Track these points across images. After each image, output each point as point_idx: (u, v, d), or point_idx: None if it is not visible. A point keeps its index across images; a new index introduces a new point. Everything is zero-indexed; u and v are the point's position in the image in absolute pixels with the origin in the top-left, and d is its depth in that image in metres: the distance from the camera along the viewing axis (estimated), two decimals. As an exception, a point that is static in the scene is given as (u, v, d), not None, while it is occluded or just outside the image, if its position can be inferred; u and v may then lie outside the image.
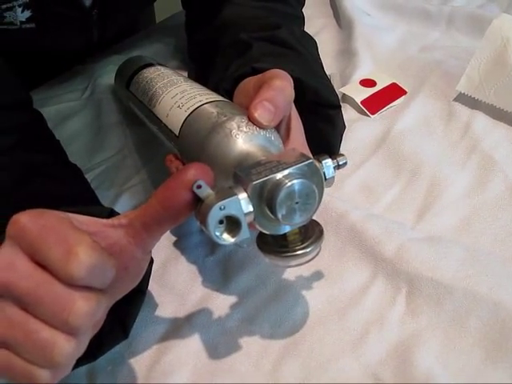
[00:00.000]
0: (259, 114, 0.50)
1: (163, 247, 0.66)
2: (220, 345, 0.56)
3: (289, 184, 0.43)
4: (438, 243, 0.61)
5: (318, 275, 0.61)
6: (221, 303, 0.60)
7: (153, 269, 0.59)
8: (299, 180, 0.44)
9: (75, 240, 0.39)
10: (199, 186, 0.42)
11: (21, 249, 0.39)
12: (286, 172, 0.44)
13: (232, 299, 0.60)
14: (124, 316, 0.53)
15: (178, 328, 0.58)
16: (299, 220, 0.46)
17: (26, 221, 0.39)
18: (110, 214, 0.52)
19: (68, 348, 0.39)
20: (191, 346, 0.56)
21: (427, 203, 0.67)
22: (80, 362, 0.45)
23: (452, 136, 0.76)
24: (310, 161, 0.45)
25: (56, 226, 0.40)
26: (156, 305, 0.60)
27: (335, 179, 0.67)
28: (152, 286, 0.58)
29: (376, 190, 0.70)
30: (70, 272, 0.38)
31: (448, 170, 0.71)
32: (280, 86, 0.52)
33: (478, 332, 0.54)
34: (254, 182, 0.43)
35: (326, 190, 0.66)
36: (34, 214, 0.40)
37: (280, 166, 0.45)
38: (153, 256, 0.64)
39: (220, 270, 0.63)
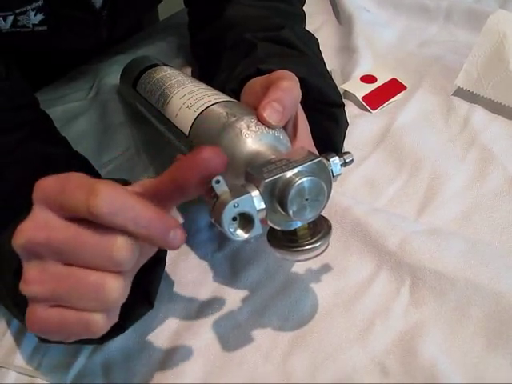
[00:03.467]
0: (268, 114, 0.52)
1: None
2: (231, 338, 0.58)
3: (299, 182, 0.45)
4: (440, 235, 0.62)
5: (324, 269, 0.62)
6: (230, 298, 0.62)
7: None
8: (309, 178, 0.45)
9: (95, 182, 0.41)
10: (218, 181, 0.43)
11: (49, 208, 0.41)
12: (295, 170, 0.46)
13: (241, 293, 0.62)
14: (147, 285, 0.55)
15: (189, 323, 0.60)
16: (309, 216, 0.47)
17: (48, 181, 0.42)
18: (125, 183, 0.53)
19: (118, 284, 0.42)
20: (203, 340, 0.58)
21: (428, 196, 0.69)
22: (111, 333, 0.47)
23: (451, 130, 0.77)
24: (319, 159, 0.47)
25: (76, 179, 0.42)
26: (167, 301, 0.62)
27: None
28: (163, 283, 0.59)
29: (378, 185, 0.71)
30: (94, 209, 0.39)
31: (448, 164, 0.72)
32: (287, 87, 0.54)
33: (480, 321, 0.56)
34: (266, 180, 0.45)
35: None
36: (55, 175, 0.42)
37: (290, 164, 0.46)
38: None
39: (229, 265, 0.65)
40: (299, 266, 0.63)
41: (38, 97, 0.76)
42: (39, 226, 0.41)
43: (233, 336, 0.58)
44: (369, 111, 0.83)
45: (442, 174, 0.71)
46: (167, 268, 0.64)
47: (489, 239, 0.63)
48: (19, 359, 0.59)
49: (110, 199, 0.40)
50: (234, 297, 0.62)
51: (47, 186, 0.41)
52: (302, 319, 0.59)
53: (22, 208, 0.44)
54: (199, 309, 0.61)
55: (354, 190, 0.71)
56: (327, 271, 0.62)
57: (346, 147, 0.75)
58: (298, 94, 0.55)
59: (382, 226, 0.63)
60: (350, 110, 0.83)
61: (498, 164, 0.71)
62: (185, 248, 0.67)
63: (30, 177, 0.61)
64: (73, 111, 0.92)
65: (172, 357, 0.57)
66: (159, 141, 0.80)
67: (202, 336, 0.59)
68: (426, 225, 0.65)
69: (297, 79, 0.56)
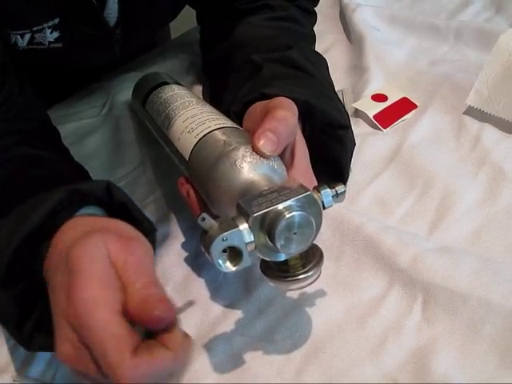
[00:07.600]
0: (262, 144, 0.52)
1: (186, 261, 0.68)
2: (243, 354, 0.58)
3: (288, 216, 0.46)
4: (452, 253, 0.63)
5: (336, 285, 0.63)
6: (243, 314, 0.62)
7: (176, 282, 0.62)
8: (298, 212, 0.46)
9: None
10: (203, 219, 0.45)
11: None
12: (285, 204, 0.47)
13: (254, 310, 0.62)
14: None
15: (202, 339, 0.60)
16: (298, 249, 0.48)
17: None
18: (108, 186, 0.53)
19: None
20: (216, 356, 0.58)
21: (440, 214, 0.69)
22: None
23: (462, 149, 0.78)
24: (308, 193, 0.48)
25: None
26: (180, 317, 0.62)
27: (351, 192, 0.69)
28: (176, 299, 0.59)
29: (390, 203, 0.72)
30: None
31: (459, 182, 0.72)
32: (283, 116, 0.54)
33: (492, 338, 0.56)
34: (255, 214, 0.46)
35: (342, 204, 0.68)
36: None
37: (280, 197, 0.47)
38: (176, 269, 0.66)
39: (241, 282, 0.65)
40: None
41: (52, 113, 0.77)
42: None
43: (246, 352, 0.58)
44: (380, 130, 0.83)
45: (453, 192, 0.71)
46: (180, 284, 0.65)
47: (501, 257, 0.63)
48: (34, 371, 0.59)
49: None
50: (246, 313, 0.62)
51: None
52: (314, 335, 0.59)
53: (14, 196, 0.45)
54: (212, 325, 0.61)
55: (365, 208, 0.71)
56: (339, 288, 0.63)
57: (358, 165, 0.76)
58: (293, 123, 0.56)
59: (394, 244, 0.64)
60: (362, 128, 0.84)
61: (509, 182, 0.71)
62: (198, 265, 0.67)
63: (19, 170, 0.62)
64: (86, 128, 0.93)
65: (186, 373, 0.57)
66: (168, 160, 0.80)
67: (215, 352, 0.59)
68: (437, 242, 0.66)
69: (295, 107, 0.57)
